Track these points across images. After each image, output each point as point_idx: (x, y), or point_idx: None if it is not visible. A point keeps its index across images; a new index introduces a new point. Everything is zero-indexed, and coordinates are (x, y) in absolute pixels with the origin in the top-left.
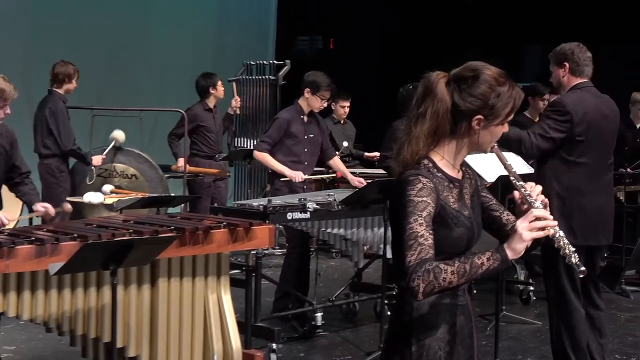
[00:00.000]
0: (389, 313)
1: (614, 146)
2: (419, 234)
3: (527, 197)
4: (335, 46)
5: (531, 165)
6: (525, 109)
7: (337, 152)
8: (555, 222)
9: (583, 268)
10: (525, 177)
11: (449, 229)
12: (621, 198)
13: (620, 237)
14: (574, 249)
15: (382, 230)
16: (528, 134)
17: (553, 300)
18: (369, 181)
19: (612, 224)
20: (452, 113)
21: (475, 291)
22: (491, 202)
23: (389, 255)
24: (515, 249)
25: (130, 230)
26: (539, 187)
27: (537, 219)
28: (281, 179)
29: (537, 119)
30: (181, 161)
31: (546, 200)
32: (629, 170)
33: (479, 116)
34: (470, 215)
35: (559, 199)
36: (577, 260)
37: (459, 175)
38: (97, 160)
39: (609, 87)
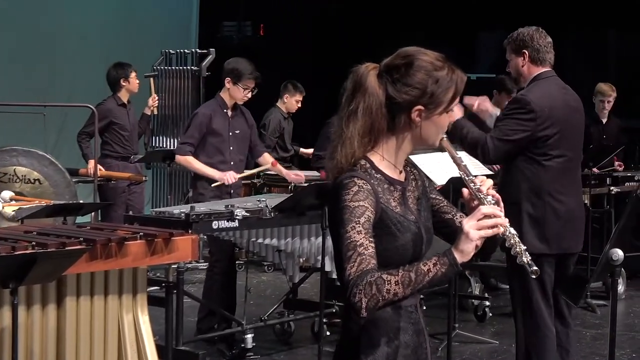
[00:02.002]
0: (328, 333)
1: (582, 142)
2: (358, 243)
3: (477, 193)
4: (266, 32)
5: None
6: None
7: (266, 149)
8: (506, 220)
9: (535, 268)
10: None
11: (393, 236)
12: (586, 201)
13: (585, 245)
14: (525, 248)
15: (319, 239)
16: (485, 139)
17: (520, 314)
18: (306, 184)
19: (584, 228)
20: (387, 107)
21: (424, 307)
22: (442, 204)
23: (327, 268)
24: (463, 251)
25: (33, 243)
26: (490, 182)
27: (486, 216)
28: (212, 185)
29: None
30: (91, 163)
31: (498, 195)
32: (594, 170)
33: (419, 107)
34: (417, 220)
35: (528, 203)
36: (529, 260)
37: (401, 177)
38: None
39: (571, 77)
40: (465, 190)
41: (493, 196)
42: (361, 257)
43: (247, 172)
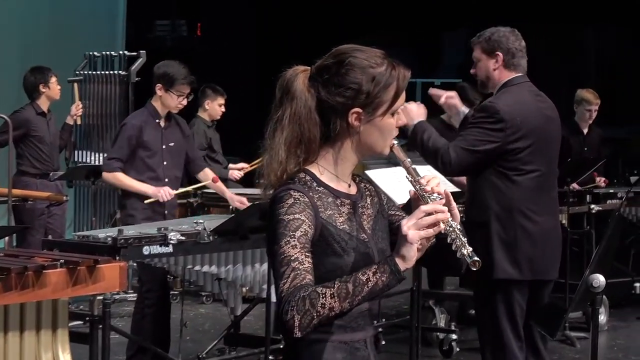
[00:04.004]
0: None
1: (558, 156)
2: (292, 258)
3: (422, 192)
4: (203, 32)
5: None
6: (443, 112)
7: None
8: (448, 215)
9: (476, 259)
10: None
11: (337, 256)
12: (564, 221)
13: (563, 270)
14: (465, 239)
15: (265, 266)
16: (447, 147)
17: (489, 348)
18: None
19: (560, 253)
20: (320, 113)
21: (384, 342)
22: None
23: (274, 298)
24: (405, 256)
25: None
26: (436, 180)
27: (426, 214)
28: (145, 202)
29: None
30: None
31: (447, 191)
32: (574, 186)
33: (356, 109)
34: (368, 239)
35: (498, 223)
36: (468, 252)
37: (350, 190)
38: None
39: (546, 83)
40: (411, 190)
41: (439, 193)
42: (295, 273)
43: (184, 189)
